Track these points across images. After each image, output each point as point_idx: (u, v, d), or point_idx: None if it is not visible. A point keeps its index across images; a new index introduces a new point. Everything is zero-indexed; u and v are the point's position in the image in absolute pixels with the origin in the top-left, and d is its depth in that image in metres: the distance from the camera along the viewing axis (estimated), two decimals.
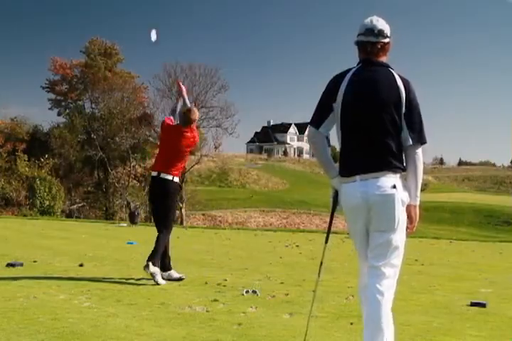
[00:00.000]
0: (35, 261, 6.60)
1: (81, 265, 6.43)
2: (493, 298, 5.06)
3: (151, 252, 5.36)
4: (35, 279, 5.23)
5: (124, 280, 5.39)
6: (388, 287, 2.67)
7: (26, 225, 16.19)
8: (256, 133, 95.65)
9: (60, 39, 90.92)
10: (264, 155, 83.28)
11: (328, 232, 3.02)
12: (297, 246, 11.26)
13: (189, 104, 5.96)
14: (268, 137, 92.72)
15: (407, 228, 2.75)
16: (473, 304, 4.61)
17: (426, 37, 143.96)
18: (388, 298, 2.65)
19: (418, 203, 2.77)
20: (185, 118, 5.69)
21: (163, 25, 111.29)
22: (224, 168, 62.16)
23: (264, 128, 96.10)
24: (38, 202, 28.60)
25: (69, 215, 32.62)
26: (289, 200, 51.17)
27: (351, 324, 3.70)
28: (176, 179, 5.67)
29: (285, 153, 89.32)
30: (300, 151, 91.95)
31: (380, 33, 2.75)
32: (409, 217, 2.75)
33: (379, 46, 2.77)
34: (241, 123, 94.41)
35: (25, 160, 33.01)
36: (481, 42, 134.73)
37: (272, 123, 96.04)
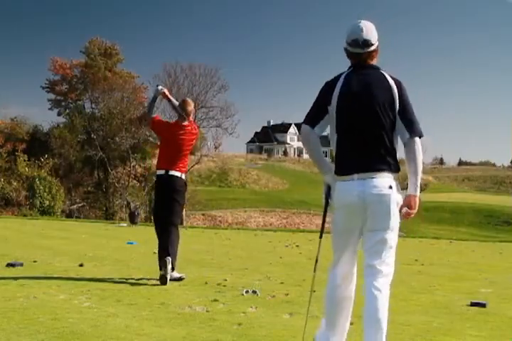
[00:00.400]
0: (35, 261, 6.60)
1: (81, 265, 6.42)
2: (493, 298, 5.06)
3: (167, 249, 5.32)
4: (35, 279, 5.23)
5: (124, 280, 5.38)
6: (384, 285, 2.70)
7: (26, 225, 16.18)
8: (256, 133, 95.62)
9: (60, 39, 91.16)
10: (264, 155, 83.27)
11: (323, 227, 3.06)
12: (297, 246, 11.26)
13: (176, 102, 5.87)
14: (268, 137, 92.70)
15: (408, 214, 2.78)
16: (473, 304, 4.61)
17: (426, 37, 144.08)
18: (386, 294, 2.68)
19: (418, 194, 2.81)
20: (182, 110, 5.66)
21: (163, 25, 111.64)
22: (224, 168, 62.19)
23: (264, 128, 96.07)
24: (38, 202, 28.53)
25: (69, 215, 32.59)
26: (289, 200, 51.20)
27: (351, 324, 3.68)
28: (184, 176, 5.65)
29: (285, 153, 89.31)
30: (300, 151, 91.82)
31: (366, 44, 2.80)
32: (409, 206, 2.78)
33: (364, 56, 2.83)
34: (241, 123, 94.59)
35: (25, 160, 32.94)
36: (481, 42, 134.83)
37: (272, 123, 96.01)
